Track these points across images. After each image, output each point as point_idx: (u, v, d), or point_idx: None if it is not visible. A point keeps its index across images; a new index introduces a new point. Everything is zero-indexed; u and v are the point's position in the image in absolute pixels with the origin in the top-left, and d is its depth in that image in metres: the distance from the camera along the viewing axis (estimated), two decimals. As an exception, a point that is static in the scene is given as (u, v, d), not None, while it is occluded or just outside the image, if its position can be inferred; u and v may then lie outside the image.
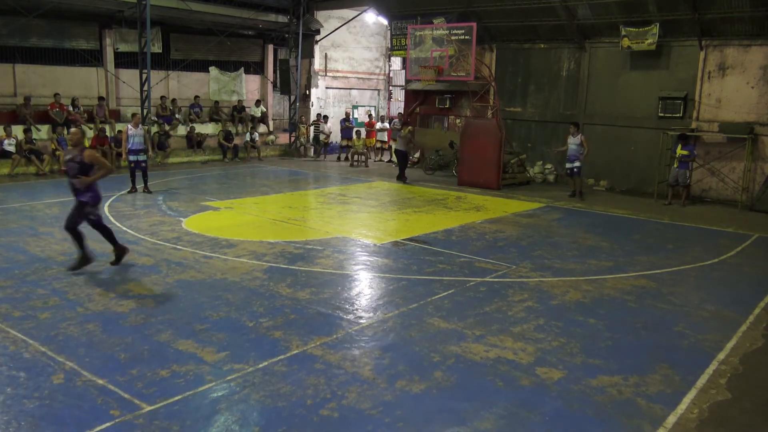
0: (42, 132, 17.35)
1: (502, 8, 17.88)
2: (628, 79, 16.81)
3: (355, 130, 21.74)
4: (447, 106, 20.43)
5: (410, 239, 10.46)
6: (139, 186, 14.08)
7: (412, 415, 4.76)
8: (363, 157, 20.94)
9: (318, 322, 6.59)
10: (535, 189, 16.75)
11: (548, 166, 18.35)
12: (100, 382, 5.06)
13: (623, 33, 16.03)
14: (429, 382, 5.30)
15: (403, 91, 23.57)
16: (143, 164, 13.98)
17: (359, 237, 10.53)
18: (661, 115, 16.09)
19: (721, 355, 6.08)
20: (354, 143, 21.26)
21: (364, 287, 7.98)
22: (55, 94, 17.70)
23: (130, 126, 13.95)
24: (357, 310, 7.01)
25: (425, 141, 20.81)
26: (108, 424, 4.44)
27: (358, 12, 24.30)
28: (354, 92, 26.61)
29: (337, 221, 11.86)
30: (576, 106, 17.84)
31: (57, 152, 16.86)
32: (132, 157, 13.84)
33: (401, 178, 17.31)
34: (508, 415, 4.81)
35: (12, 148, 16.38)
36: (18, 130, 16.68)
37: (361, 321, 6.66)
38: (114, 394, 4.87)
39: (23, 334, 5.96)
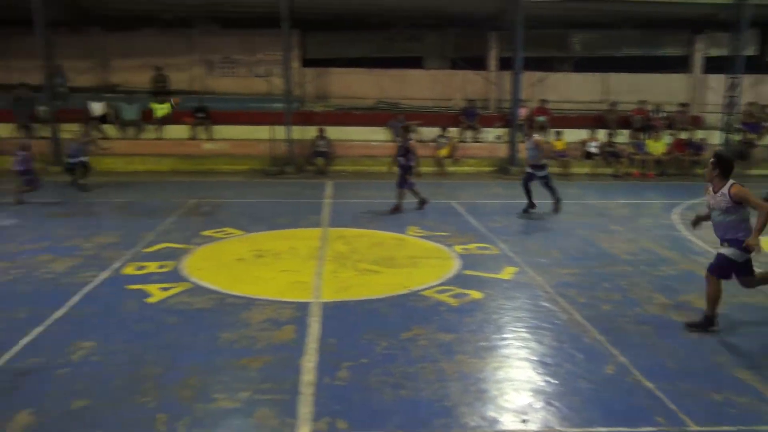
0: (623, 136, 18.41)
1: None
2: None
3: None
4: None
5: None
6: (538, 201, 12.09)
7: None
8: None
9: None
10: None
11: None
12: (648, 384, 5.06)
13: None
14: None
15: None
16: (539, 178, 11.80)
17: None
18: None
19: None
20: None
21: None
22: (640, 101, 18.47)
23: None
24: None
25: None
26: (651, 429, 4.41)
27: None
28: None
29: None
30: None
31: (634, 156, 17.70)
32: (528, 169, 11.98)
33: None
34: None
35: (596, 150, 18.03)
36: (601, 134, 18.19)
37: None
38: (659, 400, 4.81)
39: (585, 320, 6.48)
